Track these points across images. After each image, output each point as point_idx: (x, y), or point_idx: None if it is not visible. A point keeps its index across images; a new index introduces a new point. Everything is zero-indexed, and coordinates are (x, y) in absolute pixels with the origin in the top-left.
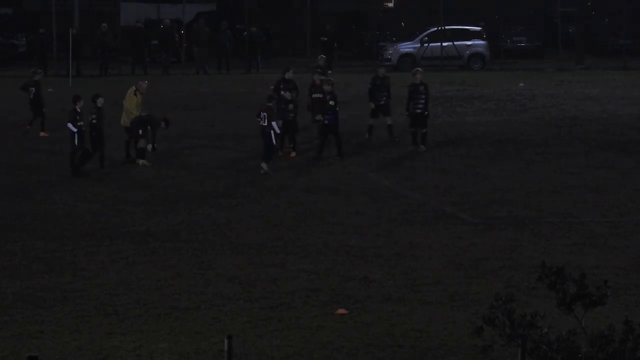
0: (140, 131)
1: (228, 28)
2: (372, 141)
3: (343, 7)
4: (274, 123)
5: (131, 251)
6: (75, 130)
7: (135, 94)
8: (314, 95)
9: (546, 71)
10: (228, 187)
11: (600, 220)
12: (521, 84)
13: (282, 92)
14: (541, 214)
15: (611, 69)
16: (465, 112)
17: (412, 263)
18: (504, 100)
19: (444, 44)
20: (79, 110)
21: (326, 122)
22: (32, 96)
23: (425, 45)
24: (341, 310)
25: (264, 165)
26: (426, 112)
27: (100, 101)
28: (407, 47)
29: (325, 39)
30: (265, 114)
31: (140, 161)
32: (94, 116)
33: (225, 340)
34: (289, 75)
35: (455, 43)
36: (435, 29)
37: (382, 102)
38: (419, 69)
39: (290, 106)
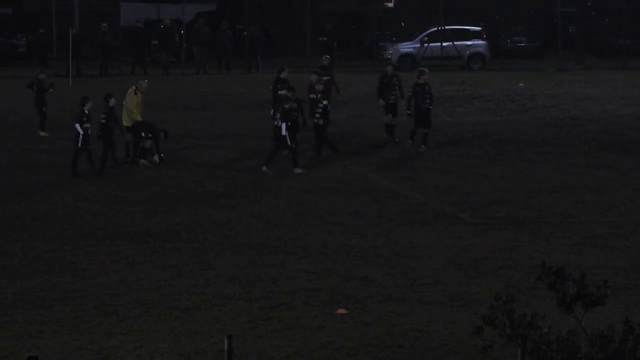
0: (143, 133)
1: (228, 28)
2: (372, 141)
3: (343, 7)
4: (283, 125)
5: (131, 251)
6: (81, 132)
7: (135, 93)
8: (310, 96)
9: (546, 71)
10: (228, 187)
11: (600, 220)
12: (521, 84)
13: (279, 92)
14: (541, 214)
15: (611, 69)
16: (465, 112)
17: (412, 263)
18: (504, 100)
19: (444, 44)
20: (86, 111)
21: (316, 120)
22: (35, 95)
23: (425, 45)
24: (341, 310)
25: (297, 170)
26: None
27: (112, 101)
28: (407, 47)
29: (325, 39)
30: (279, 114)
31: (141, 161)
32: (103, 116)
33: (225, 340)
34: (284, 74)
35: (455, 43)
36: (435, 29)
37: (392, 101)
38: (425, 69)
39: (294, 105)
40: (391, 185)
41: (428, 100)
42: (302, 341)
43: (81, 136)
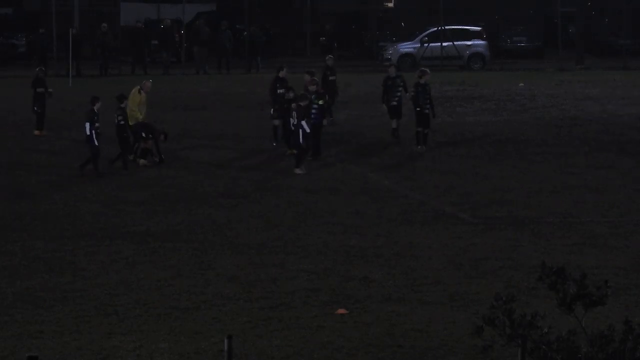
0: (143, 134)
1: (228, 28)
2: (372, 141)
3: (343, 7)
4: (303, 122)
5: (131, 251)
6: (93, 131)
7: (139, 92)
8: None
9: (546, 71)
10: (228, 187)
11: (600, 220)
12: (521, 84)
13: (278, 91)
14: (541, 214)
15: (611, 69)
16: (465, 112)
17: (412, 263)
18: (504, 100)
19: (444, 44)
20: (96, 111)
21: (312, 121)
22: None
23: (425, 45)
24: (341, 310)
25: (297, 170)
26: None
27: (125, 102)
28: (407, 47)
29: (325, 39)
30: (295, 112)
31: (141, 161)
32: (120, 118)
33: (225, 340)
34: (282, 74)
35: (455, 43)
36: (435, 29)
37: (394, 104)
38: (427, 70)
39: (293, 105)
40: (391, 185)
41: (429, 101)
42: (302, 341)
43: (94, 134)
